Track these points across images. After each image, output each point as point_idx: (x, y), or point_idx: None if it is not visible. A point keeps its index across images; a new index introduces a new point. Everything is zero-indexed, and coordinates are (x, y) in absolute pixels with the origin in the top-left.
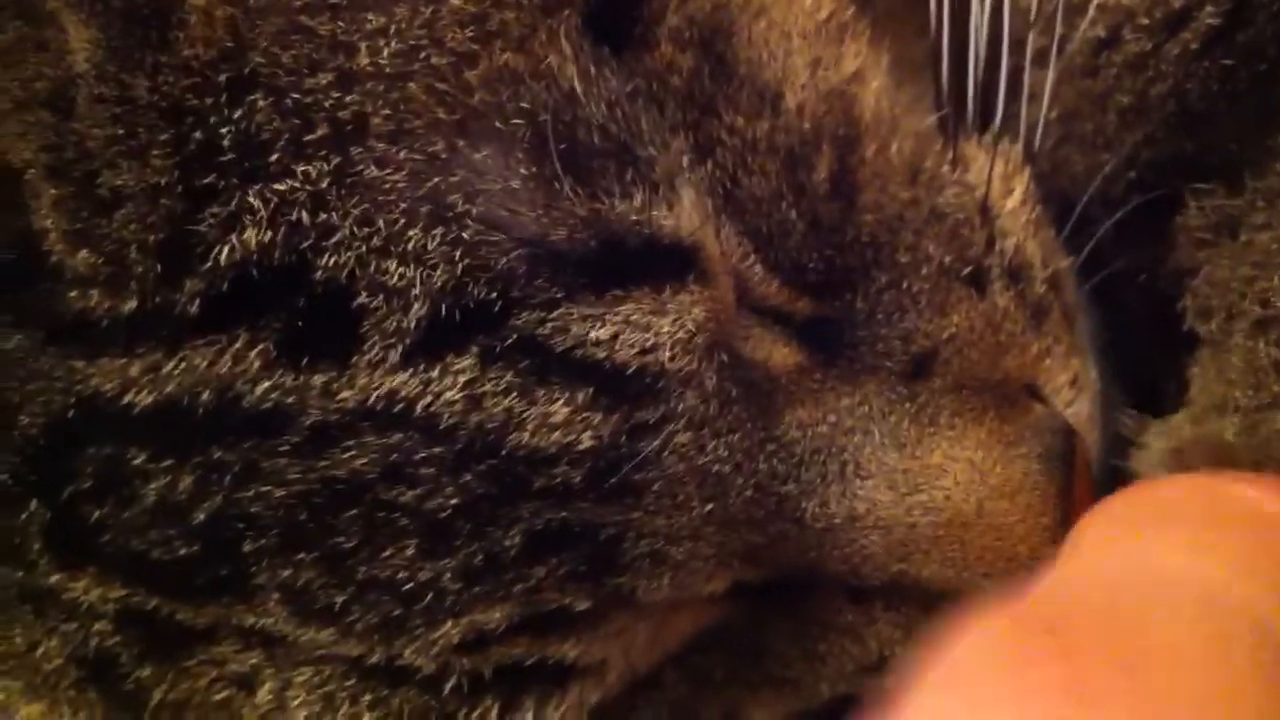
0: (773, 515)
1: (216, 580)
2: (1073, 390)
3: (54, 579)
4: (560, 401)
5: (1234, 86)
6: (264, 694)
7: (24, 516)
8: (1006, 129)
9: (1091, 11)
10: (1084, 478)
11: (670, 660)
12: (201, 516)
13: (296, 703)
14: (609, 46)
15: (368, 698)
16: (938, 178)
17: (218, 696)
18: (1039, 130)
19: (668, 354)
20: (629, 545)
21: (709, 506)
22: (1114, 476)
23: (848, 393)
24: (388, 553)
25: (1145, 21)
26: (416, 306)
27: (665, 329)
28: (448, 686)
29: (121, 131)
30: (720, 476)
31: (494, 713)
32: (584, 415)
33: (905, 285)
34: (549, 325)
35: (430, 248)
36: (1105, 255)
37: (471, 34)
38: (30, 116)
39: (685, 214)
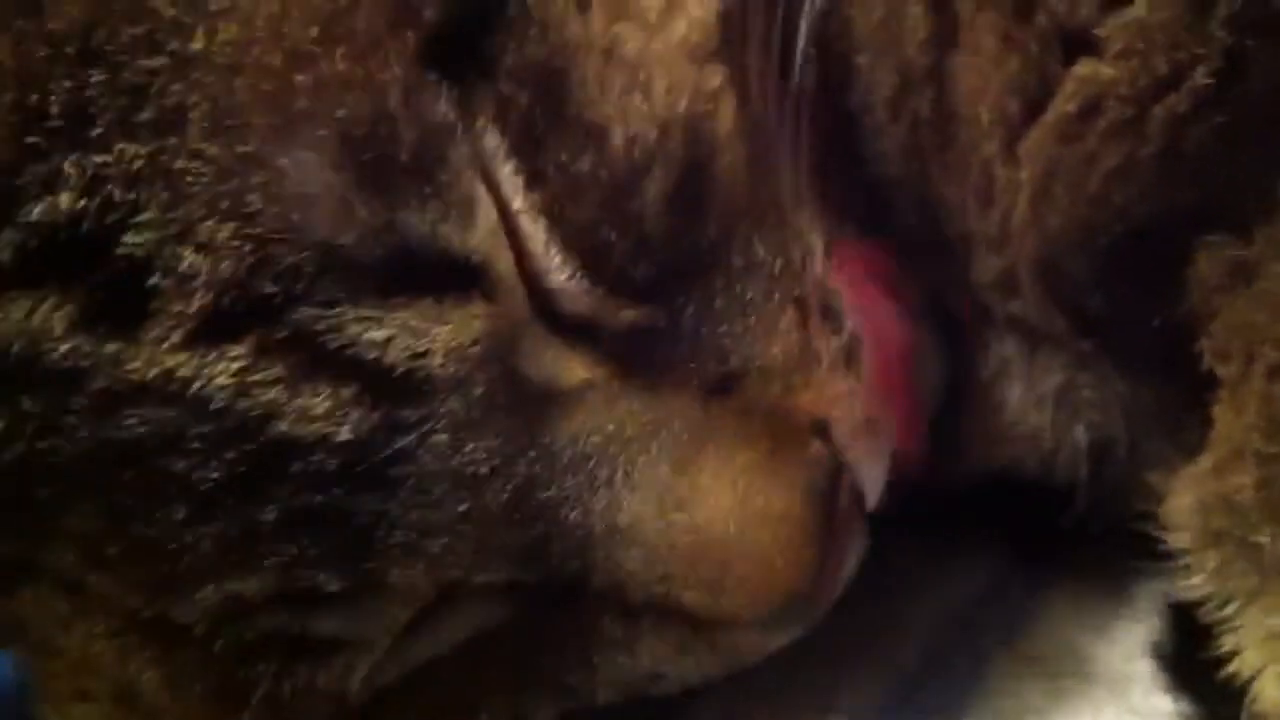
0: (531, 519)
1: (20, 523)
2: (859, 433)
3: None
4: (323, 396)
5: (1232, 140)
6: (75, 634)
7: None
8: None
9: (1069, 83)
10: (850, 519)
11: (453, 655)
12: (8, 459)
13: (98, 649)
14: (444, 75)
15: (149, 652)
16: (775, 195)
17: (44, 629)
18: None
19: (439, 360)
20: (382, 534)
21: (463, 506)
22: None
23: (642, 402)
24: (158, 514)
25: (1127, 91)
26: (201, 294)
27: (441, 337)
28: (218, 646)
29: None
30: (476, 477)
31: (267, 677)
32: (344, 410)
33: (736, 294)
34: (324, 323)
35: (221, 240)
36: (1102, 308)
37: (316, 34)
38: None
39: (479, 235)
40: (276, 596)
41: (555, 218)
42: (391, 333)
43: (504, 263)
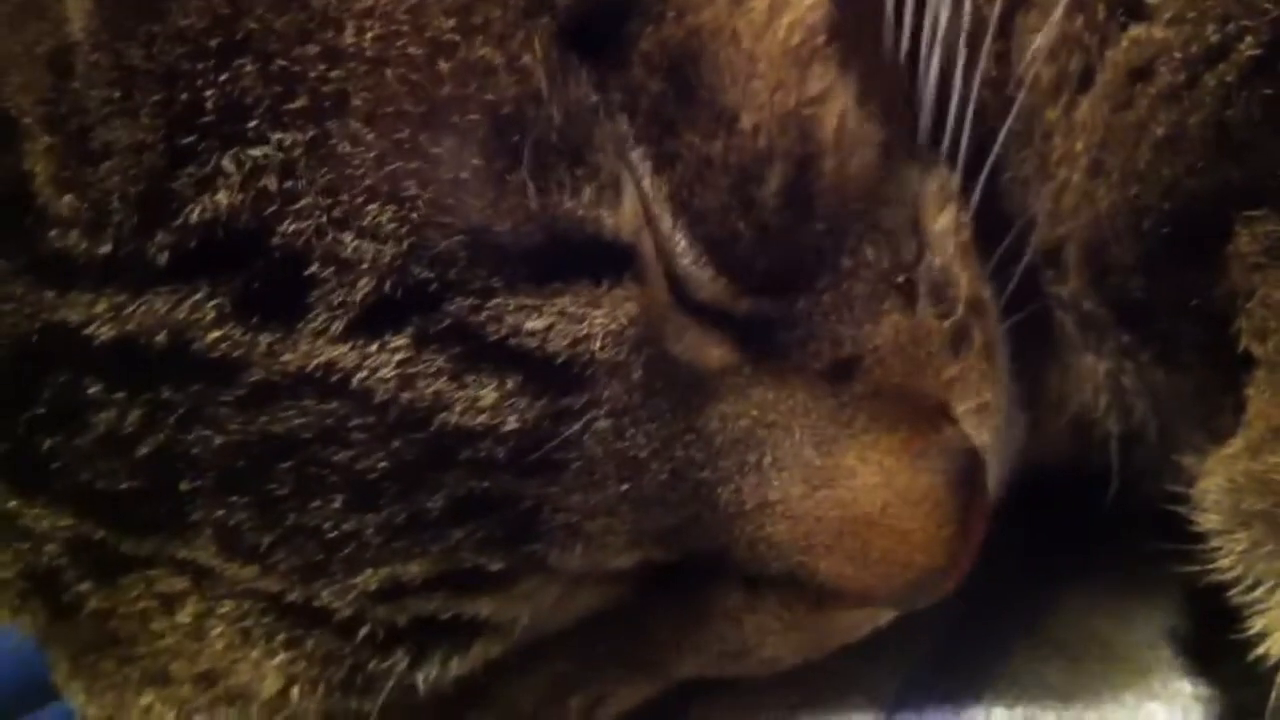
0: (687, 499)
1: (155, 515)
2: (979, 417)
3: (10, 504)
4: (489, 387)
5: (1277, 113)
6: (184, 615)
7: None
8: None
9: (1124, 42)
10: (981, 505)
11: (559, 634)
12: (145, 451)
13: (216, 631)
14: (582, 58)
15: (282, 635)
16: (882, 193)
17: (139, 607)
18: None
19: (598, 344)
20: (545, 516)
21: (624, 487)
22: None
23: (775, 388)
24: (316, 504)
25: (1180, 55)
26: (364, 281)
27: (599, 321)
28: (361, 633)
29: (117, 94)
30: (637, 460)
31: (404, 663)
32: (511, 400)
33: (843, 291)
34: (484, 313)
35: (383, 225)
36: (1144, 294)
37: (454, 24)
38: (32, 73)
39: (626, 217)
40: (437, 579)
41: (683, 203)
42: (551, 320)
43: (646, 245)
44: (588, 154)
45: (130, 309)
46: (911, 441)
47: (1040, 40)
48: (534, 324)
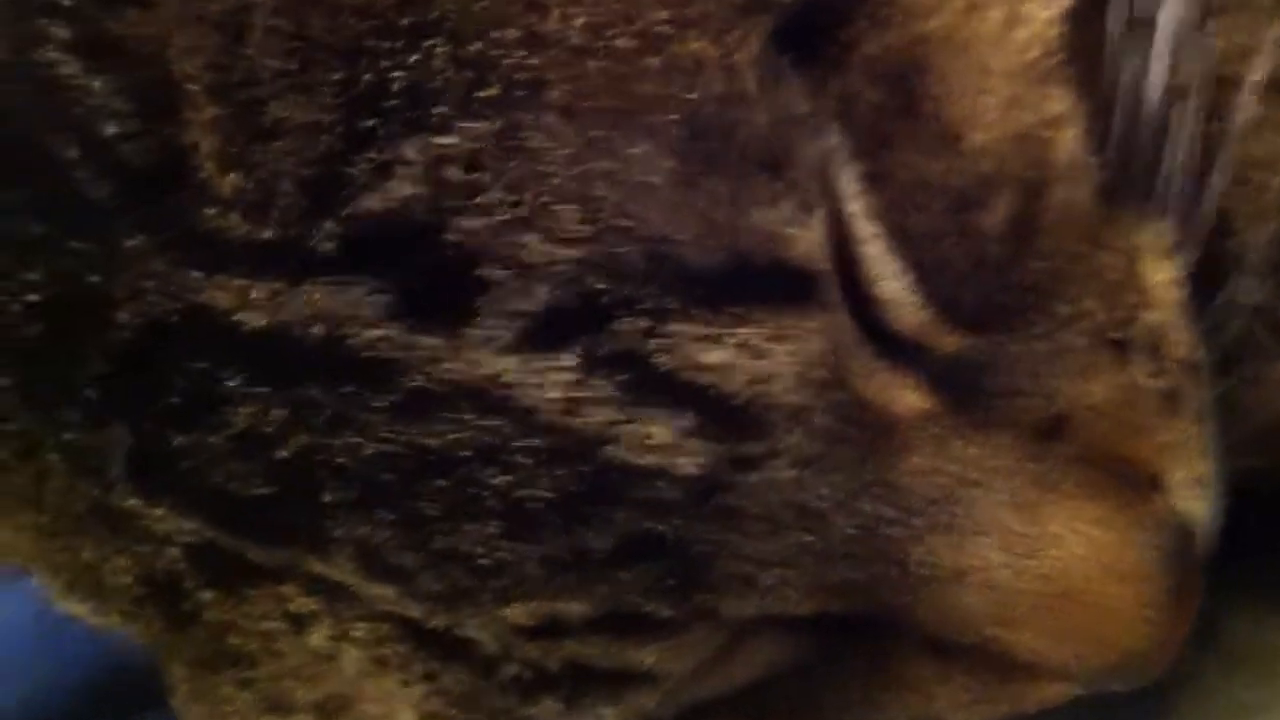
0: (873, 556)
1: (292, 525)
2: (1192, 489)
3: (130, 503)
4: (660, 424)
5: None
6: (317, 639)
7: (108, 436)
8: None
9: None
10: (1192, 586)
11: (732, 694)
12: (285, 454)
13: (349, 656)
14: (795, 62)
15: (418, 667)
16: (1104, 237)
17: (264, 625)
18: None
19: (781, 385)
20: (720, 564)
21: (806, 539)
22: None
23: (977, 442)
24: (470, 528)
25: None
26: (538, 288)
27: (782, 358)
28: (506, 672)
29: (294, 66)
30: (820, 512)
31: (551, 712)
32: (686, 442)
33: (1060, 339)
34: (656, 339)
35: (567, 228)
36: None
37: (669, 15)
38: (202, 33)
39: (815, 240)
40: (600, 621)
41: (896, 223)
42: (729, 356)
43: (831, 275)
44: (788, 167)
45: (285, 298)
46: (1121, 512)
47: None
48: (712, 357)
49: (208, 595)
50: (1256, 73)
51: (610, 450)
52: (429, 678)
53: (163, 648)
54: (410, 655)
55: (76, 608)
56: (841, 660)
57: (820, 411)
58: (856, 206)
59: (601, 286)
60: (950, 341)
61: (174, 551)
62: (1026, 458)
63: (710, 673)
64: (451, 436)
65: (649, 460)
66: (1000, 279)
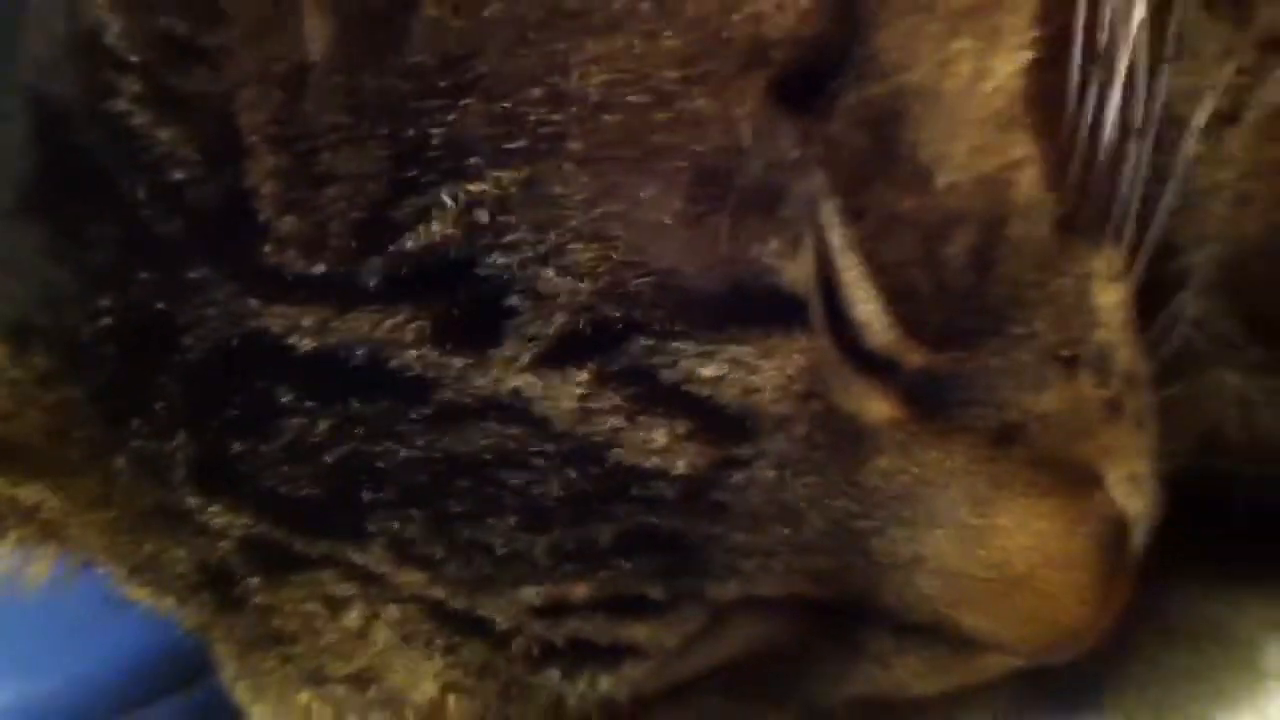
0: (842, 547)
1: (333, 521)
2: (1130, 485)
3: (191, 502)
4: (661, 430)
5: None
6: (352, 619)
7: (173, 444)
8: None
9: (1270, 86)
10: (1129, 571)
11: (713, 669)
12: (330, 460)
13: (379, 634)
14: (787, 110)
15: (440, 641)
16: (1059, 265)
17: (305, 608)
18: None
19: (768, 396)
20: (708, 553)
21: (785, 532)
22: None
23: (937, 446)
24: (490, 521)
25: None
26: (558, 315)
27: (770, 372)
28: (517, 645)
29: (347, 120)
30: (797, 509)
31: (555, 678)
32: (682, 445)
33: (1014, 356)
34: (660, 356)
35: (583, 263)
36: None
37: (677, 75)
38: (265, 91)
39: (803, 270)
40: (600, 603)
41: (870, 254)
42: (723, 370)
43: (815, 299)
44: (780, 206)
45: (334, 324)
46: (1065, 508)
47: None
48: (707, 371)
49: (255, 581)
50: (1201, 115)
51: (615, 453)
52: (449, 650)
53: (213, 629)
54: (433, 632)
55: (138, 593)
56: (813, 639)
57: (801, 420)
58: (837, 238)
59: (615, 314)
60: (916, 358)
61: (227, 545)
62: (982, 460)
63: (695, 649)
64: (478, 443)
65: (649, 462)
66: (962, 303)
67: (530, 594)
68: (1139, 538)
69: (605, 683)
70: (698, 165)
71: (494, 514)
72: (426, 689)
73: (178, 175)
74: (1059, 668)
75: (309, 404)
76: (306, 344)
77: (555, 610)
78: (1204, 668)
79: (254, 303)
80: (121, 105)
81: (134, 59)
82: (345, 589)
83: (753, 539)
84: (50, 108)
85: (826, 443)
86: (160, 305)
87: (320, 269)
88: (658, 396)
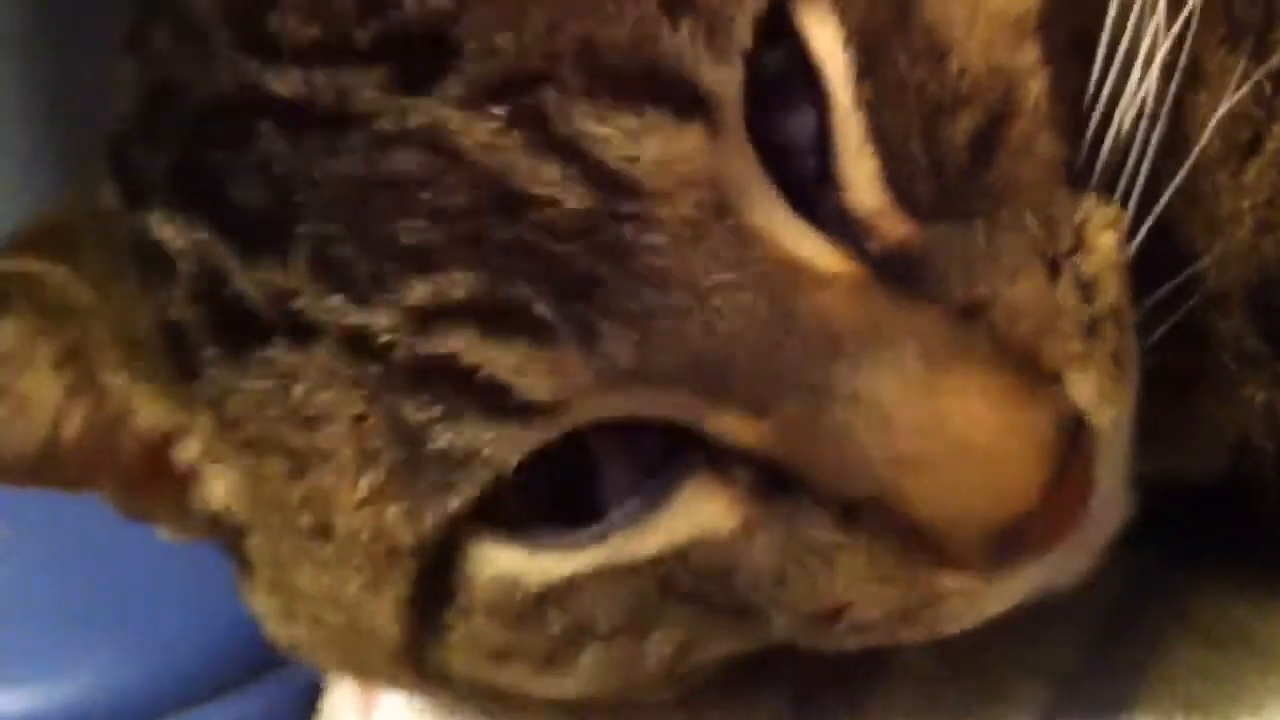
0: (765, 355)
1: (269, 229)
2: (1096, 398)
3: (158, 230)
4: (555, 168)
5: None
6: (298, 392)
7: (160, 163)
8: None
9: None
10: (1083, 472)
11: (648, 561)
12: (279, 170)
13: (310, 396)
14: None
15: (346, 370)
16: (1056, 195)
17: (260, 385)
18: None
19: (643, 169)
20: (599, 295)
21: (685, 303)
22: None
23: (897, 302)
24: (401, 223)
25: None
26: (494, 64)
27: (650, 147)
28: (396, 359)
29: None
30: (699, 287)
31: (436, 411)
32: (569, 184)
33: (997, 240)
34: (561, 108)
35: (531, 27)
36: None
37: None
38: None
39: (723, 74)
40: (474, 305)
41: (874, 114)
42: (609, 131)
43: (734, 111)
44: (727, 9)
45: (317, 80)
46: (1022, 387)
47: (1212, 121)
48: (594, 129)
49: (209, 352)
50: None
51: (514, 179)
52: (354, 383)
53: (174, 401)
54: (336, 356)
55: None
56: (757, 530)
57: (686, 202)
58: (845, 96)
59: (538, 67)
60: (899, 229)
61: (180, 293)
62: (943, 325)
63: (646, 525)
64: (397, 165)
65: (540, 190)
66: (956, 181)
67: (415, 287)
68: (1113, 470)
69: (485, 431)
70: None
71: (405, 215)
72: (341, 431)
73: None
74: (1090, 676)
75: (283, 131)
76: (286, 93)
77: (431, 314)
78: (1232, 671)
79: (254, 64)
80: None
81: None
82: (291, 360)
83: (647, 301)
84: None
85: (724, 238)
86: (183, 68)
87: (313, 33)
88: (554, 144)
